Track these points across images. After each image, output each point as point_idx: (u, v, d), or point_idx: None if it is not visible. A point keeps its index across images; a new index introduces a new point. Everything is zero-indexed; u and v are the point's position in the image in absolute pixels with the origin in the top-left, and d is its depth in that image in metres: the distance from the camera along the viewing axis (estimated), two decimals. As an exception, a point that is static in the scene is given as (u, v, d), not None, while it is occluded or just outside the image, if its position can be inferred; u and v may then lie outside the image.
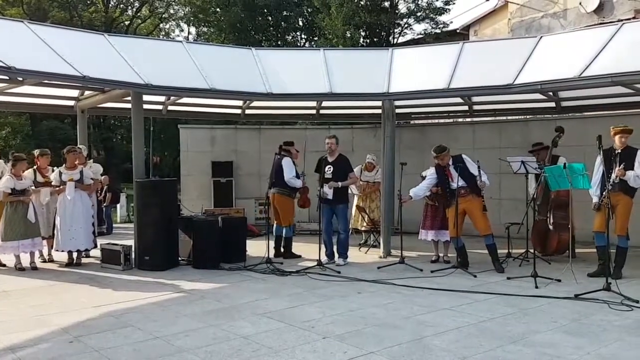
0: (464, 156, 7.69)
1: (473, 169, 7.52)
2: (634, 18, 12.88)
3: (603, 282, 6.08)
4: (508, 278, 6.99)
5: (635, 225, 9.17)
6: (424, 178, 8.18)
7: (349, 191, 8.82)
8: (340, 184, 8.00)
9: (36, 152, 8.72)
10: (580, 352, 4.33)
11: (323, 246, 8.05)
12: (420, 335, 4.77)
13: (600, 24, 13.13)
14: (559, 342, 4.58)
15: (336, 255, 8.17)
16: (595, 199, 7.00)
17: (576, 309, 5.58)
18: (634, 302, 5.65)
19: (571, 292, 6.11)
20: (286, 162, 8.53)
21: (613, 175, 6.76)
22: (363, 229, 9.82)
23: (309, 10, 28.04)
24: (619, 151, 6.76)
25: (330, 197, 7.94)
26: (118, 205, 15.30)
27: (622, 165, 6.70)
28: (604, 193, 6.72)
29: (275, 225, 8.72)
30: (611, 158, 6.78)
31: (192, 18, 31.57)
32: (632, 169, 6.72)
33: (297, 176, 8.52)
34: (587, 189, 6.89)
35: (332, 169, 8.05)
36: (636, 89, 8.39)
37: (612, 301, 5.71)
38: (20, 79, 7.87)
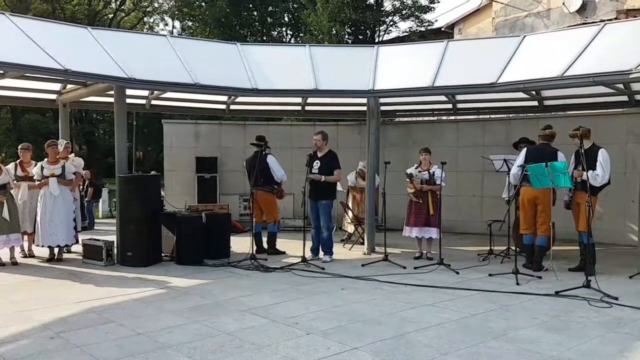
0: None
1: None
2: (616, 19, 13.04)
3: (583, 279, 6.18)
4: (489, 275, 7.06)
5: (610, 223, 9.40)
6: (408, 175, 8.20)
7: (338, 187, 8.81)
8: (323, 177, 8.00)
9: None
10: (560, 349, 4.39)
11: (308, 242, 8.05)
12: (403, 331, 4.80)
13: (583, 24, 13.29)
14: (540, 338, 4.64)
15: (321, 252, 8.19)
16: (565, 197, 7.31)
17: (556, 305, 5.65)
18: (613, 299, 5.75)
19: (552, 289, 6.19)
20: (272, 160, 8.53)
21: (575, 175, 7.00)
22: (348, 229, 9.84)
23: (294, 6, 28.01)
24: (583, 151, 6.87)
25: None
26: (100, 201, 15.15)
27: (579, 167, 6.88)
28: (569, 192, 7.18)
29: (254, 222, 8.66)
30: (579, 158, 6.96)
31: (176, 12, 31.35)
32: (595, 168, 6.90)
33: None
34: (568, 187, 7.02)
35: (319, 164, 8.09)
36: (617, 88, 8.52)
37: (592, 298, 5.80)
38: (1, 71, 7.76)
